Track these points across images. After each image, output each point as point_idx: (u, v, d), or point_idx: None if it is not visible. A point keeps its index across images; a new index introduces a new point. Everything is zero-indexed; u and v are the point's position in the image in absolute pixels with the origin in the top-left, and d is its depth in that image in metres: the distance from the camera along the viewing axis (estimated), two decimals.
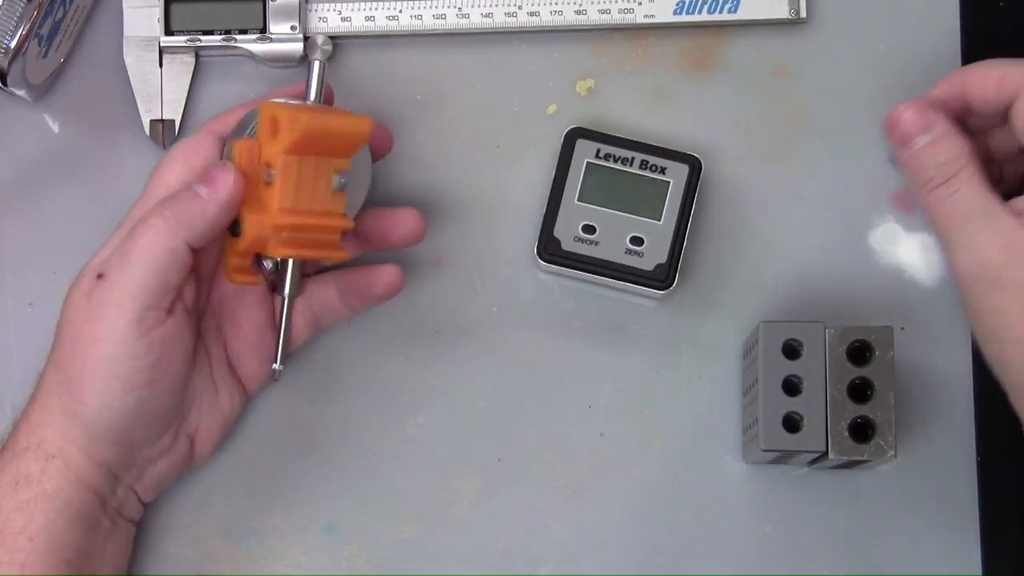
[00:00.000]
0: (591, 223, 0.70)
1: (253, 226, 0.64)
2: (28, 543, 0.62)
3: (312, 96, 0.66)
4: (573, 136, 0.71)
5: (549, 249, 0.70)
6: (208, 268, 0.67)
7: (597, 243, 0.70)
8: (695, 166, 0.71)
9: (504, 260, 0.73)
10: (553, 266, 0.71)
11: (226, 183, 0.63)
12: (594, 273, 0.70)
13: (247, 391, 0.70)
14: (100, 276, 0.63)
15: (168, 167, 0.66)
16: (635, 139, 0.71)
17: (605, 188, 0.71)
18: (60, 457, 0.63)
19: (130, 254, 0.62)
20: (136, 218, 0.64)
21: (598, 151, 0.71)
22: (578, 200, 0.71)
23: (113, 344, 0.62)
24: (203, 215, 0.63)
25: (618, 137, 0.71)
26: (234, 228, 0.64)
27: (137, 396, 0.63)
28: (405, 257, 0.71)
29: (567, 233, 0.70)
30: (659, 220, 0.70)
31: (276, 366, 0.68)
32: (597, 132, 0.71)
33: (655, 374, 0.72)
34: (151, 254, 0.62)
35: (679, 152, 0.71)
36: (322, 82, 0.66)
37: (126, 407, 0.63)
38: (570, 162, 0.71)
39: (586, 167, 0.71)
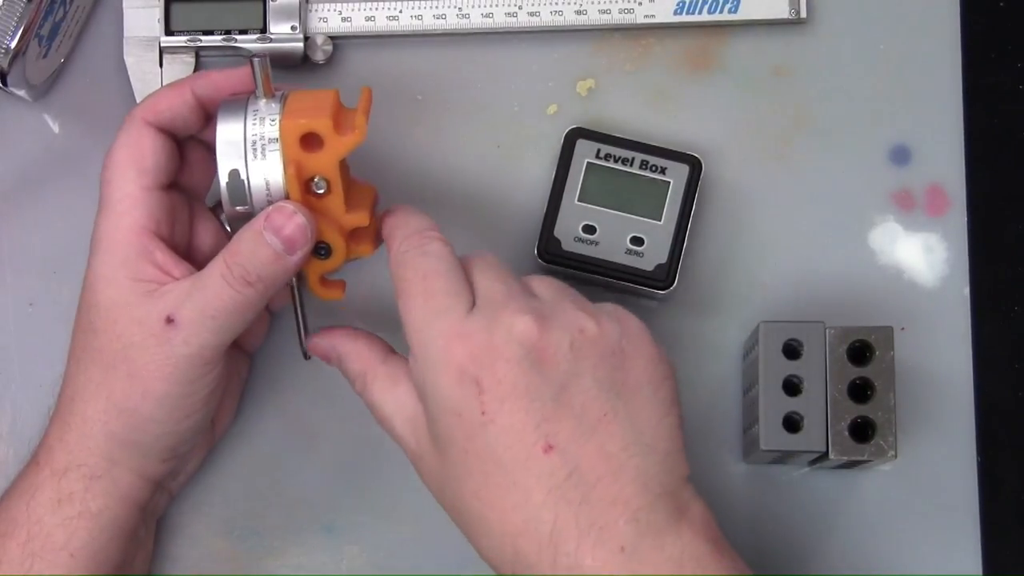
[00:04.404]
0: (591, 223, 0.70)
1: (339, 242, 0.64)
2: (69, 559, 0.63)
3: (259, 93, 0.63)
4: (573, 136, 0.71)
5: (549, 249, 0.70)
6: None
7: (597, 243, 0.70)
8: (695, 166, 0.71)
9: (504, 260, 0.73)
10: (553, 266, 0.71)
11: (304, 240, 0.62)
12: (594, 273, 0.70)
13: (249, 353, 0.70)
14: (171, 321, 0.62)
15: (121, 174, 0.63)
16: (635, 139, 0.71)
17: (605, 188, 0.71)
18: (106, 477, 0.63)
19: (217, 316, 0.61)
20: (106, 240, 0.63)
21: (598, 151, 0.71)
22: (578, 200, 0.70)
23: (181, 385, 0.62)
24: (287, 273, 0.62)
25: (618, 137, 0.71)
26: (320, 251, 0.64)
27: (194, 418, 0.64)
28: None
29: (567, 233, 0.70)
30: (659, 220, 0.70)
31: (304, 347, 0.68)
32: (597, 132, 0.71)
33: None
34: (238, 318, 0.62)
35: (679, 152, 0.71)
36: (265, 76, 0.63)
37: (186, 431, 0.64)
38: (570, 162, 0.71)
39: (586, 167, 0.71)
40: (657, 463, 0.58)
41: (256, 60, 0.62)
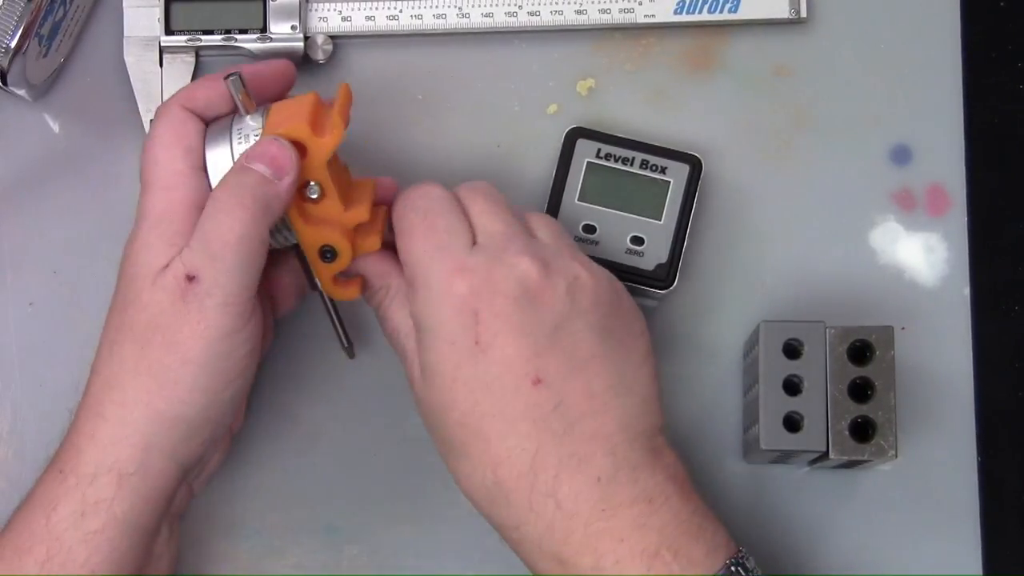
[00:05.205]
0: (591, 223, 0.70)
1: (343, 242, 0.64)
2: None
3: (243, 111, 0.63)
4: (573, 136, 0.71)
5: None
6: None
7: (597, 243, 0.70)
8: (695, 166, 0.71)
9: None
10: None
11: (291, 162, 0.61)
12: None
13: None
14: (192, 278, 0.61)
15: (168, 153, 0.63)
16: (636, 139, 0.71)
17: (605, 188, 0.71)
18: (139, 471, 0.61)
19: (224, 253, 0.61)
20: (156, 216, 0.62)
21: (598, 151, 0.71)
22: (578, 200, 0.70)
23: (219, 342, 0.61)
24: (279, 199, 0.62)
25: (619, 137, 0.71)
26: (326, 255, 0.64)
27: (235, 386, 0.63)
28: None
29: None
30: (659, 220, 0.70)
31: (346, 345, 0.69)
32: (598, 132, 0.71)
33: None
34: (244, 249, 0.61)
35: (680, 152, 0.71)
36: (243, 94, 0.63)
37: (228, 399, 0.63)
38: (570, 162, 0.71)
39: (586, 167, 0.71)
40: (636, 406, 0.61)
41: (230, 79, 0.62)
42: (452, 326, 0.61)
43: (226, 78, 0.62)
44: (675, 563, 0.59)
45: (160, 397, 0.61)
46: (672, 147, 0.71)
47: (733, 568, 0.59)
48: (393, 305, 0.65)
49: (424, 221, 0.63)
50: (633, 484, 0.60)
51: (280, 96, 0.66)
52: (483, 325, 0.60)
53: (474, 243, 0.62)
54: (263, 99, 0.64)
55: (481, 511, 0.62)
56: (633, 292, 0.71)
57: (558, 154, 0.71)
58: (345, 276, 0.66)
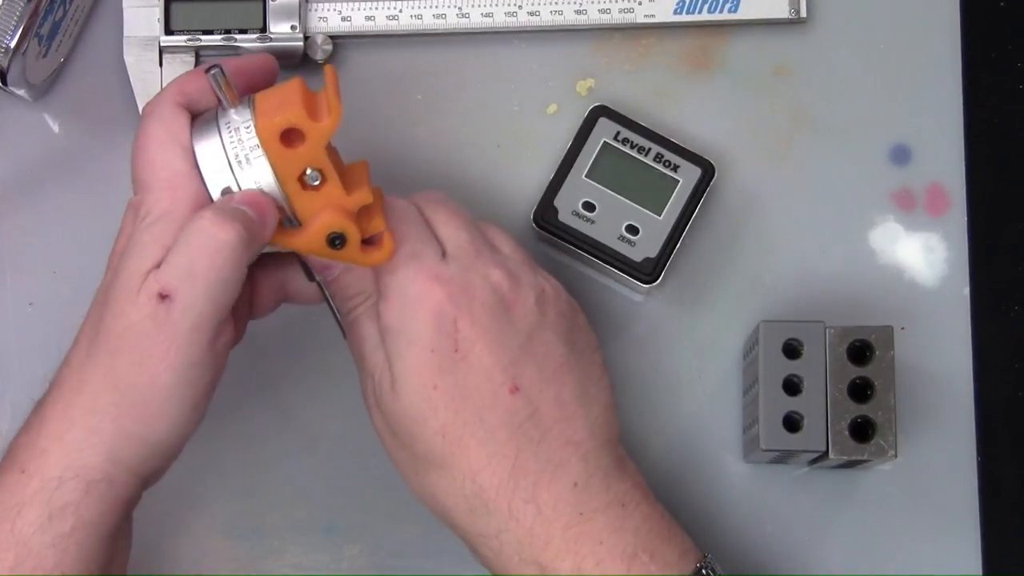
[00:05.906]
0: (592, 201, 0.70)
1: (349, 226, 0.62)
2: None
3: (226, 104, 0.62)
4: (597, 113, 0.71)
5: (546, 217, 0.71)
6: None
7: (593, 222, 0.70)
8: (708, 171, 0.71)
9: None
10: (546, 234, 0.71)
11: (273, 213, 0.61)
12: (583, 251, 0.71)
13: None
14: (165, 297, 0.59)
15: (165, 152, 0.62)
16: (657, 131, 0.71)
17: (615, 171, 0.71)
18: (105, 480, 0.60)
19: (205, 276, 0.59)
20: (158, 214, 0.61)
21: (617, 133, 0.71)
22: (586, 176, 0.71)
23: (187, 368, 0.60)
24: (261, 237, 0.61)
25: (641, 125, 0.71)
26: (335, 242, 0.63)
27: (199, 412, 0.62)
28: None
29: (566, 206, 0.70)
30: (659, 215, 0.70)
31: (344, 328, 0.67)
32: (621, 115, 0.71)
33: (655, 373, 0.72)
34: (223, 275, 0.59)
35: (696, 154, 0.71)
36: (226, 87, 0.61)
37: (191, 425, 0.62)
38: (587, 137, 0.71)
39: (602, 146, 0.71)
40: (600, 415, 0.63)
41: (211, 73, 0.61)
42: (430, 334, 0.61)
43: (207, 71, 0.61)
44: (653, 564, 0.60)
45: (128, 415, 0.60)
46: (688, 148, 0.71)
47: (704, 571, 0.61)
48: (369, 313, 0.65)
49: (396, 231, 0.63)
50: (606, 490, 0.61)
51: (264, 89, 0.65)
52: (461, 333, 0.61)
53: (444, 254, 0.63)
54: (248, 93, 0.63)
55: (455, 523, 0.63)
56: (617, 280, 0.71)
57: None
58: (368, 243, 0.64)
